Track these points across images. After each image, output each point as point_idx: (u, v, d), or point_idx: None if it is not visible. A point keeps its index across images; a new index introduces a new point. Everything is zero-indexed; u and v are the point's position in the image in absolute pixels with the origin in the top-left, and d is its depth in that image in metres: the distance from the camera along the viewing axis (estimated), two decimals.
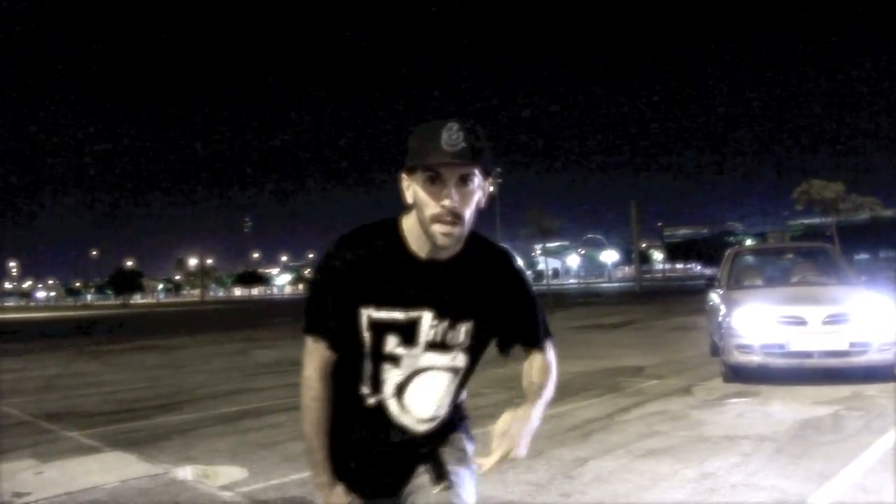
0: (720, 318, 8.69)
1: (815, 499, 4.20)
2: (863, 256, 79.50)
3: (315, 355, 1.75)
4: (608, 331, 17.54)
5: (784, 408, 6.89)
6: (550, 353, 1.93)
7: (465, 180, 1.61)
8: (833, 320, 7.81)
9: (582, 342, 14.18)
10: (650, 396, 7.78)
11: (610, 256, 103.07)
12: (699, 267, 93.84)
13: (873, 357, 7.76)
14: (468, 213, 1.64)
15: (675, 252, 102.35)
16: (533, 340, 1.90)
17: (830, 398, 7.20)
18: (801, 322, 7.87)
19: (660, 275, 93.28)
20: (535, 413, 1.88)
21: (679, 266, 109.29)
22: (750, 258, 10.75)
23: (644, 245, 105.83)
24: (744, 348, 8.04)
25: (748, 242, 67.43)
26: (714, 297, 9.77)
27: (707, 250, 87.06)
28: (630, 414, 6.89)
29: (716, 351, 9.36)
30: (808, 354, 7.81)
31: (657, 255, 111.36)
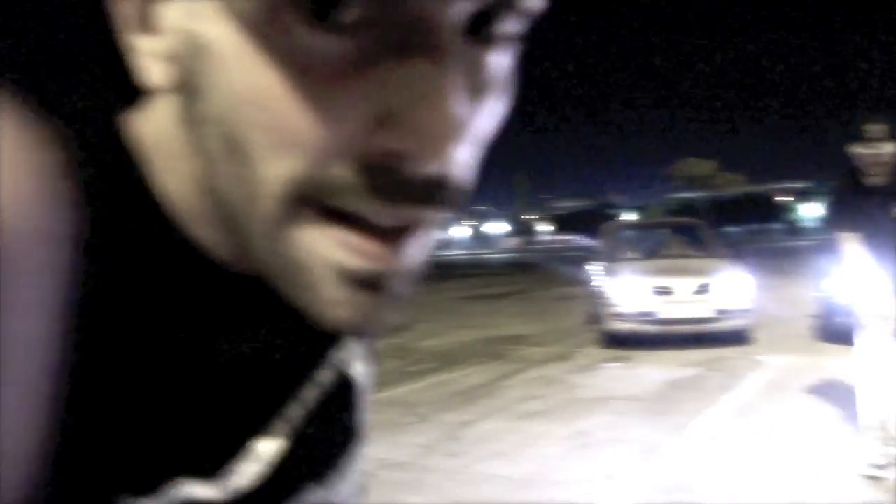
0: (597, 289, 9.24)
1: (671, 443, 4.68)
2: (732, 229, 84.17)
3: None
4: (494, 301, 18.02)
5: (653, 370, 7.45)
6: None
7: None
8: (700, 290, 8.47)
9: (468, 312, 14.57)
10: (531, 363, 8.21)
11: (498, 227, 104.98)
12: (582, 238, 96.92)
13: (734, 322, 8.48)
14: None
15: (562, 223, 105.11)
16: None
17: (695, 361, 7.83)
18: (671, 292, 8.48)
19: (545, 245, 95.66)
20: None
21: (565, 237, 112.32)
22: (627, 232, 11.40)
23: (531, 216, 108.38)
24: (619, 316, 8.60)
25: (623, 216, 70.34)
26: (593, 268, 10.32)
27: (591, 222, 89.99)
28: (512, 380, 7.29)
29: (593, 319, 9.92)
30: (676, 321, 8.44)
31: (544, 227, 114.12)
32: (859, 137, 3.55)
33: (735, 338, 8.72)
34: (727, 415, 5.51)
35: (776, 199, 70.13)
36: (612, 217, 47.97)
